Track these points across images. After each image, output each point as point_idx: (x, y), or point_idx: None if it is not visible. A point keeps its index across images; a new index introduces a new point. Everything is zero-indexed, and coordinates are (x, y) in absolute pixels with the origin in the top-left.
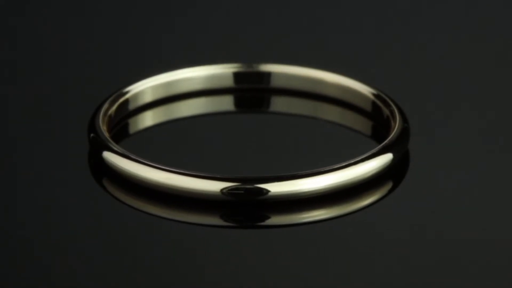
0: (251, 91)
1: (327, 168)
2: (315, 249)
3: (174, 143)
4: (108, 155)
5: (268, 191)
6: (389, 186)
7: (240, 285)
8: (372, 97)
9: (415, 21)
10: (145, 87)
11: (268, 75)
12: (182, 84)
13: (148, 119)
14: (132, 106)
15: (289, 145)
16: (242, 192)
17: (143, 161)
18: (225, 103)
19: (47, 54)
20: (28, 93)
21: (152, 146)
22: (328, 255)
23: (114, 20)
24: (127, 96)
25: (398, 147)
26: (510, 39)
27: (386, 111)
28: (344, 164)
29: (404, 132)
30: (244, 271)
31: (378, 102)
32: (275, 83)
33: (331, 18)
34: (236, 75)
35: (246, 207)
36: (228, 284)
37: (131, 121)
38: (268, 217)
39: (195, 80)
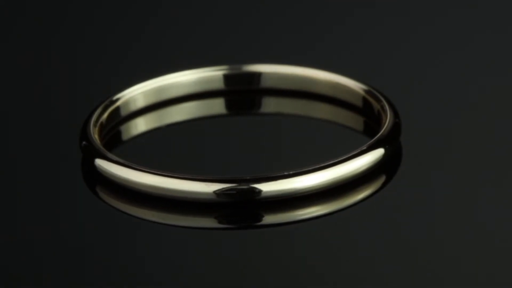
0: (242, 93)
1: (320, 165)
2: (311, 246)
3: (167, 148)
4: (101, 162)
5: (261, 190)
6: (382, 180)
7: (240, 286)
8: (362, 93)
9: (404, 16)
10: (136, 93)
11: (258, 75)
12: (173, 88)
13: (140, 125)
14: (123, 112)
15: (283, 145)
16: (235, 192)
17: (135, 166)
18: (217, 106)
19: (36, 62)
20: (18, 102)
21: (145, 152)
22: (324, 251)
23: (102, 27)
24: (118, 103)
25: (390, 141)
26: (500, 34)
27: (377, 106)
28: (336, 160)
29: (395, 127)
30: (243, 272)
31: (368, 97)
32: (265, 83)
33: (318, 15)
34: (226, 77)
35: (240, 208)
36: (228, 285)
37: (123, 128)
38: (263, 216)
39: (185, 84)
